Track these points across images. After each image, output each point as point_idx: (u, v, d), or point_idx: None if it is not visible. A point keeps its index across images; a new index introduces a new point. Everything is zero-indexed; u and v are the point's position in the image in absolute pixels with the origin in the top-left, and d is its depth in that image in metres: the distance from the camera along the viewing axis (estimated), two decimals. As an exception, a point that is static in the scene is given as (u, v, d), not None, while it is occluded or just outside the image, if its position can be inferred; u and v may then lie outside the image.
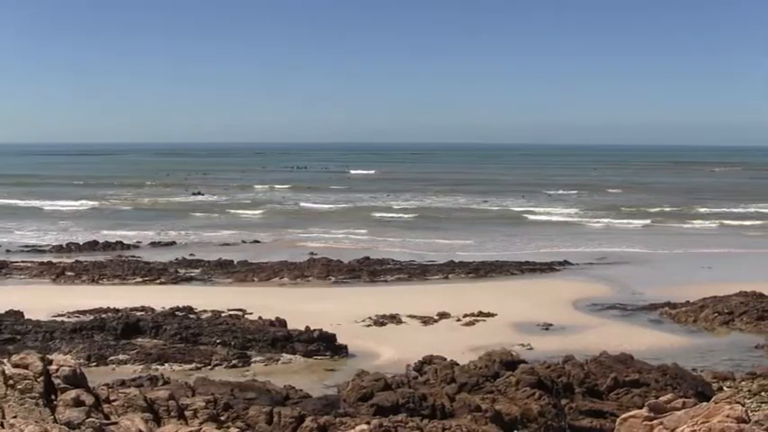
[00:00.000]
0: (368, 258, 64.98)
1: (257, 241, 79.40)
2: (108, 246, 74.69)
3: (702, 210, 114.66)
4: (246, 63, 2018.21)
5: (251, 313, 45.08)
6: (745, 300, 48.62)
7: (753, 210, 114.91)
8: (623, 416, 18.00)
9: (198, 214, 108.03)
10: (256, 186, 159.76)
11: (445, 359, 32.17)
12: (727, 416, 15.99)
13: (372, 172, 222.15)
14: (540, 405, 26.59)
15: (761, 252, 74.38)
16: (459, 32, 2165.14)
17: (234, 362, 37.31)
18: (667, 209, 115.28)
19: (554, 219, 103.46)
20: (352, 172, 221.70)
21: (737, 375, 35.05)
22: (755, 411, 17.91)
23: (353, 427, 22.72)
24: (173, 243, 77.66)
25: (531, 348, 39.21)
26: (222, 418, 23.95)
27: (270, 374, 33.88)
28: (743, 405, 18.43)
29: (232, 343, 38.57)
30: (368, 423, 22.92)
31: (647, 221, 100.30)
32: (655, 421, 17.00)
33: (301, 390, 28.64)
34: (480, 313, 46.19)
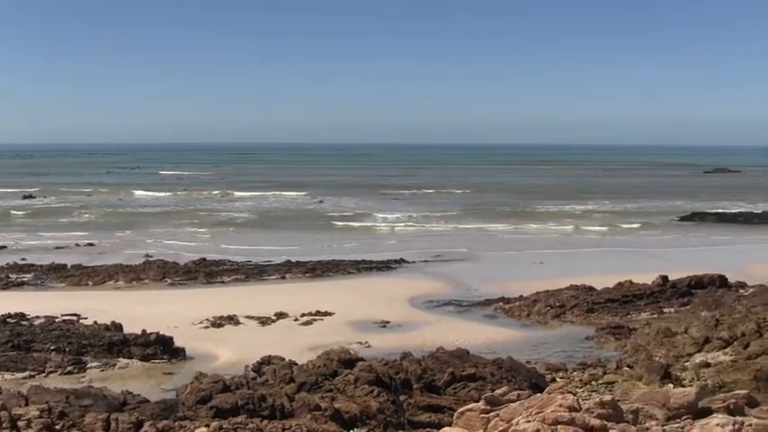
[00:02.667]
0: (204, 259, 64.33)
1: (91, 244, 77.39)
2: (-68, 252, 71.94)
3: (539, 208, 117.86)
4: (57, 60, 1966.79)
5: (86, 318, 44.07)
6: (575, 293, 50.19)
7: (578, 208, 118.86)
8: (460, 410, 18.36)
9: (29, 218, 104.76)
10: (91, 188, 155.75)
11: (284, 359, 32.25)
12: (560, 405, 16.50)
13: (209, 173, 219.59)
14: (379, 402, 26.88)
15: (590, 247, 76.89)
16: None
17: (69, 368, 36.29)
18: (507, 208, 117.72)
19: (391, 216, 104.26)
20: (187, 173, 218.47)
21: (569, 366, 36.14)
22: (586, 400, 18.49)
23: (193, 431, 22.60)
24: (3, 247, 75.19)
25: (368, 346, 39.49)
26: (57, 426, 23.44)
27: (106, 380, 33.31)
28: (574, 394, 19.05)
29: (66, 349, 37.61)
30: (207, 426, 22.83)
31: (488, 220, 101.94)
32: (491, 414, 17.40)
33: (139, 394, 28.28)
34: (318, 312, 46.32)
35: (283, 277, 59.39)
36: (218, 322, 44.35)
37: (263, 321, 44.90)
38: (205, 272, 60.01)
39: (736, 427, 16.63)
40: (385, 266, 63.89)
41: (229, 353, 38.39)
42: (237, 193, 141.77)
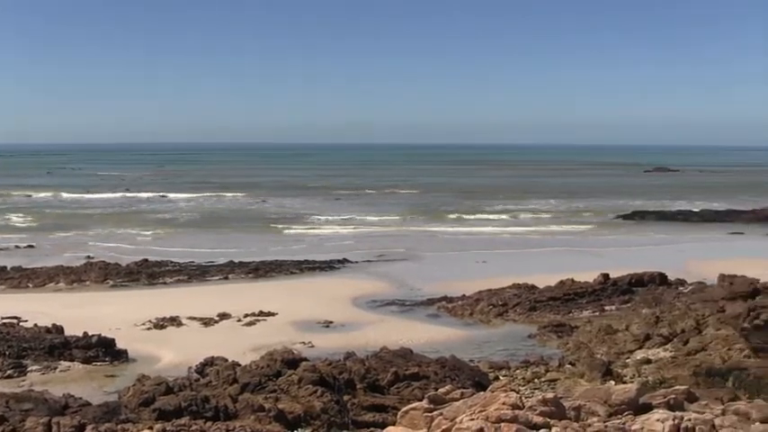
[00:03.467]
0: (146, 260, 63.78)
1: (31, 246, 76.52)
2: None
3: (482, 208, 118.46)
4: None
5: (26, 321, 43.46)
6: (518, 292, 50.52)
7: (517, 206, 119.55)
8: (404, 409, 18.40)
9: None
10: (31, 190, 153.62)
11: (227, 360, 32.08)
12: (503, 403, 16.60)
13: (151, 173, 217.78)
14: (323, 402, 26.84)
15: (532, 246, 77.45)
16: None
17: (9, 372, 35.79)
18: (451, 208, 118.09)
19: (335, 217, 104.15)
20: (128, 174, 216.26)
21: (512, 364, 36.39)
22: (529, 397, 18.63)
23: (136, 433, 22.43)
24: (-60, 250, 74.13)
25: (312, 346, 39.47)
26: (-3, 431, 23.16)
27: (47, 383, 32.87)
28: (517, 392, 19.18)
29: (6, 352, 37.11)
30: (150, 428, 22.64)
31: (432, 220, 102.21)
32: (435, 412, 17.46)
33: (81, 398, 27.96)
34: (261, 313, 46.20)
35: (226, 278, 59.15)
36: (160, 324, 44.05)
37: (206, 322, 44.68)
38: (147, 273, 59.56)
39: (676, 422, 16.84)
40: (328, 266, 63.85)
41: (172, 354, 38.15)
42: (180, 194, 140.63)
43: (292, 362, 29.71)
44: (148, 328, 43.43)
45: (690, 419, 16.95)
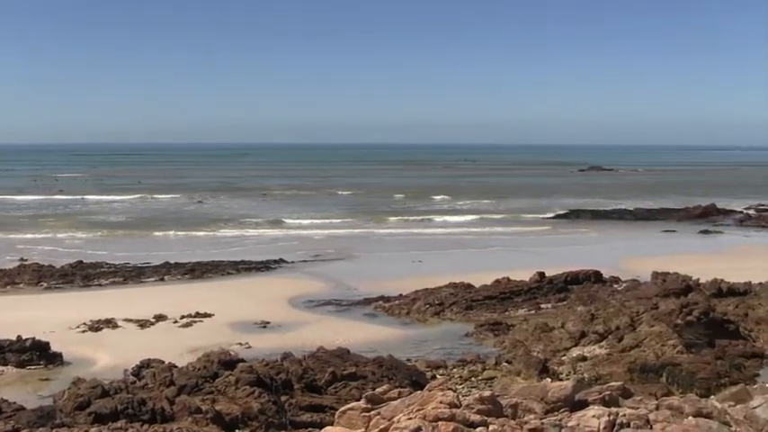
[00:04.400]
0: (81, 262, 62.99)
1: (-39, 248, 75.37)
2: None
3: (418, 208, 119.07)
4: None
5: (-43, 324, 42.91)
6: (454, 291, 50.73)
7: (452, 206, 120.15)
8: (342, 409, 18.44)
9: None
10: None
11: (163, 362, 31.85)
12: (441, 402, 16.70)
13: (86, 174, 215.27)
14: (261, 403, 26.79)
15: (468, 245, 77.85)
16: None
17: (-61, 376, 35.41)
18: (386, 208, 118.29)
19: (272, 217, 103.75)
20: (60, 175, 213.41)
21: (449, 363, 36.50)
22: (466, 396, 18.73)
23: (71, 437, 22.22)
24: None
25: (249, 347, 39.30)
26: (-71, 436, 22.83)
27: (-20, 388, 32.47)
28: (454, 391, 19.31)
29: (-64, 357, 36.62)
30: (86, 432, 22.46)
31: (368, 220, 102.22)
32: (372, 412, 17.51)
33: (15, 402, 27.62)
34: (198, 314, 45.91)
35: (162, 279, 58.67)
36: (96, 326, 43.58)
37: (142, 324, 44.28)
38: (82, 275, 58.85)
39: (611, 417, 17.05)
40: (264, 267, 63.60)
41: (108, 357, 37.77)
42: (116, 196, 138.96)
43: (229, 363, 29.61)
44: (83, 331, 42.93)
45: (625, 415, 17.19)
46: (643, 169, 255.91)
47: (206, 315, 45.88)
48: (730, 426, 17.72)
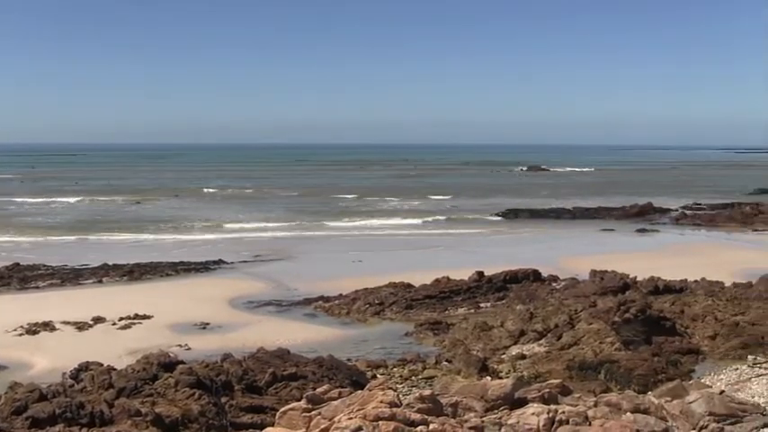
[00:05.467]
0: (18, 264, 62.13)
1: None
2: None
3: (358, 209, 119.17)
4: None
5: None
6: (394, 290, 50.84)
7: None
8: (282, 409, 18.45)
9: None
10: None
11: (102, 365, 31.52)
12: (381, 401, 16.76)
13: (20, 175, 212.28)
14: (201, 405, 26.64)
15: (408, 245, 78.07)
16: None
17: None
18: (326, 208, 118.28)
19: (212, 217, 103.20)
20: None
21: (389, 362, 36.58)
22: (407, 395, 18.83)
23: (8, 442, 21.96)
24: None
25: (189, 348, 39.07)
26: None
27: None
28: (395, 390, 19.39)
29: None
30: (23, 436, 22.21)
31: (308, 221, 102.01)
32: (313, 412, 17.53)
33: (-51, 407, 27.21)
34: (137, 316, 45.56)
35: (100, 281, 58.11)
36: (33, 329, 43.04)
37: (81, 326, 43.83)
38: (18, 277, 58.08)
39: (551, 415, 17.23)
40: (204, 268, 63.25)
41: (45, 360, 37.33)
42: (53, 198, 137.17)
43: (169, 365, 29.41)
44: (20, 334, 42.38)
45: (564, 412, 17.38)
46: (582, 169, 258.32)
47: (145, 317, 45.54)
48: (667, 421, 18.00)
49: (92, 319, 44.87)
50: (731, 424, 17.94)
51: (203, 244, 79.39)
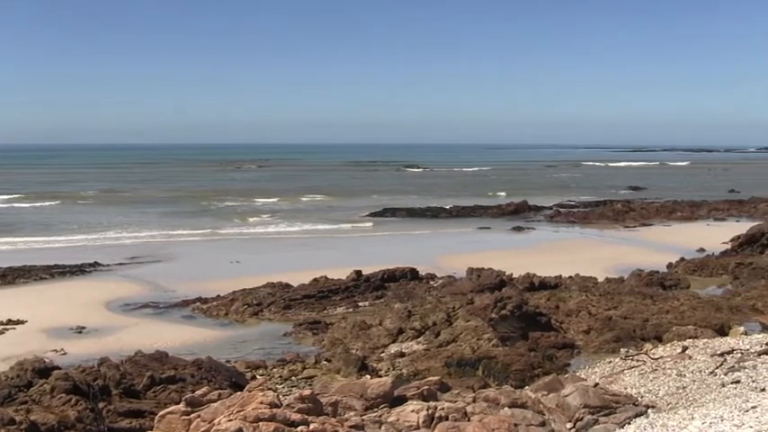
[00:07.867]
0: None
1: None
2: None
3: (234, 209, 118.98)
4: None
5: None
6: (272, 290, 50.77)
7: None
8: (161, 413, 18.30)
9: None
10: None
11: (-26, 372, 30.85)
12: (261, 402, 16.77)
13: None
14: (78, 411, 26.22)
15: (284, 245, 77.98)
16: None
17: None
18: (199, 209, 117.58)
19: (85, 219, 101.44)
20: None
21: (269, 363, 36.54)
22: (287, 395, 18.87)
23: None
24: None
25: (65, 353, 38.40)
26: None
27: None
28: (275, 391, 19.44)
29: None
30: None
31: (181, 222, 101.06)
32: (193, 415, 17.46)
33: None
34: (9, 321, 44.50)
35: (-30, 286, 56.68)
36: None
37: (-51, 333, 42.75)
38: None
39: (430, 411, 17.48)
40: (79, 270, 62.06)
41: None
42: None
43: (44, 371, 28.85)
44: None
45: (443, 408, 17.66)
46: (459, 168, 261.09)
47: (18, 322, 44.54)
48: (544, 414, 18.43)
49: (-38, 326, 43.78)
50: (605, 415, 18.43)
51: (78, 246, 77.88)
